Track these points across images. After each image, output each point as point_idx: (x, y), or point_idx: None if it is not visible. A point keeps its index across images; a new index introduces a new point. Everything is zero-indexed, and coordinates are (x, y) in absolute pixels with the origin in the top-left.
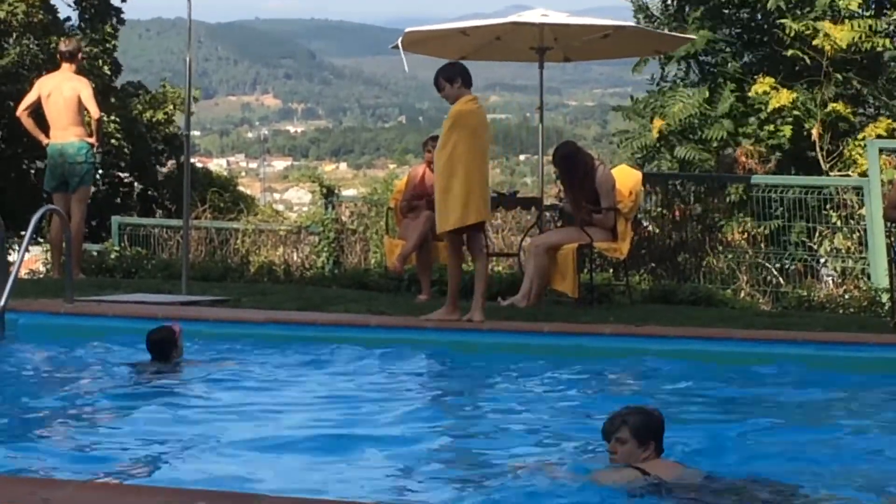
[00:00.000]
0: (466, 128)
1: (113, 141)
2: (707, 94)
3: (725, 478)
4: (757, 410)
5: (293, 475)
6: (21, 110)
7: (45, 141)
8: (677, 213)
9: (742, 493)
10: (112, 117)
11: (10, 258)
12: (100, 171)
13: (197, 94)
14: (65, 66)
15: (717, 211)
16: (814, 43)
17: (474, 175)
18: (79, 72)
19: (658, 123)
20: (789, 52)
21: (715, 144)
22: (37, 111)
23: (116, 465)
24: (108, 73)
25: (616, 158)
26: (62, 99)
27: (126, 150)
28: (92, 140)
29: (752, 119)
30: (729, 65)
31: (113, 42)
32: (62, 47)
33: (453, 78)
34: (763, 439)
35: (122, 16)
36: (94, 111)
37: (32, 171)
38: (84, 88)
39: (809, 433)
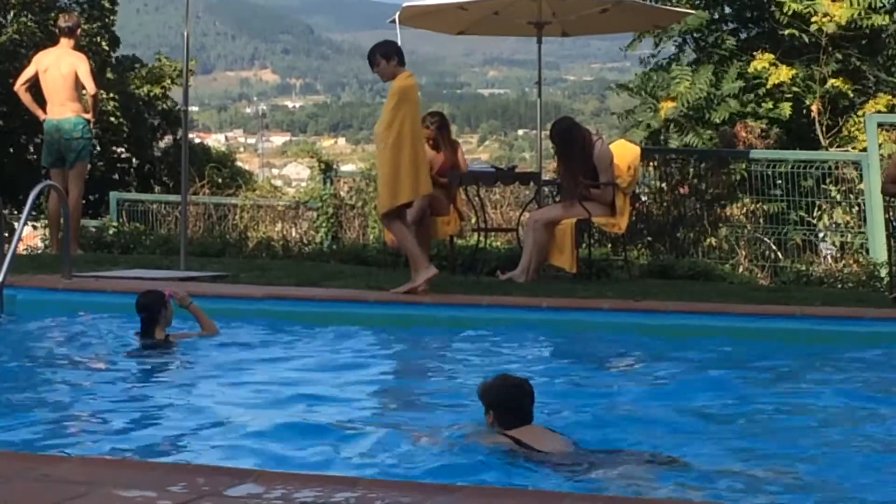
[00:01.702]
0: (412, 103)
1: (112, 119)
2: (710, 73)
3: (594, 449)
4: (746, 384)
5: (287, 450)
6: (18, 85)
7: (42, 116)
8: (680, 190)
9: (606, 461)
10: (110, 95)
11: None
12: (97, 148)
13: (193, 66)
14: (63, 41)
15: (718, 187)
16: (812, 21)
17: (420, 150)
18: (77, 48)
19: (666, 105)
20: (787, 32)
21: (718, 123)
22: (35, 87)
23: (115, 440)
24: (107, 48)
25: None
26: (59, 75)
27: (125, 127)
28: (88, 116)
29: (750, 96)
30: (726, 43)
31: (111, 17)
32: (61, 23)
33: (391, 55)
34: (744, 414)
35: None
36: (91, 87)
37: (31, 147)
38: (81, 64)
39: (800, 410)
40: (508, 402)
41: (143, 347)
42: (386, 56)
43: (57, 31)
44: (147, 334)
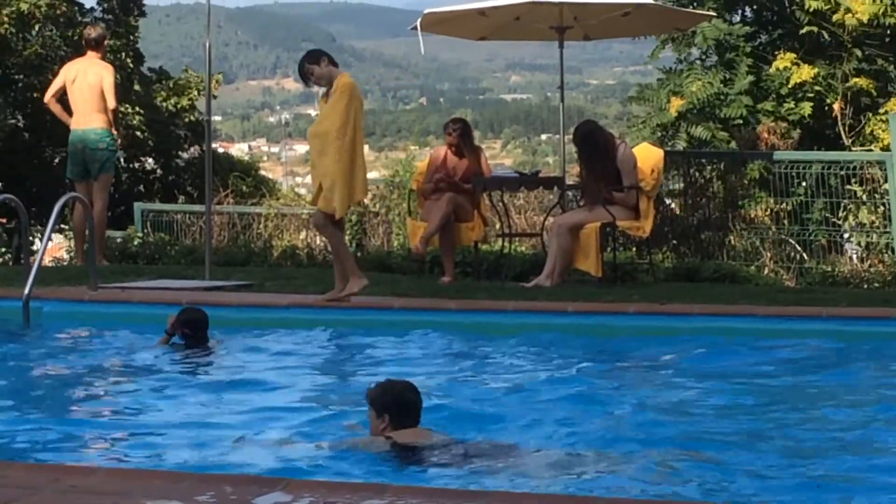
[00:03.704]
0: (359, 101)
1: (137, 133)
2: (724, 72)
3: (469, 441)
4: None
5: (319, 459)
6: (48, 96)
7: (73, 125)
8: (696, 195)
9: (477, 453)
10: (136, 110)
11: (34, 247)
12: (122, 160)
13: (219, 79)
14: (90, 53)
15: (739, 188)
16: (834, 18)
17: (362, 149)
18: (104, 59)
19: (676, 103)
20: (806, 29)
21: (734, 123)
22: (62, 98)
23: (142, 450)
24: (132, 65)
25: (633, 139)
26: (86, 85)
27: (150, 141)
28: (113, 130)
29: (771, 95)
30: (745, 46)
31: (136, 34)
32: (89, 35)
33: (319, 58)
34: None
35: (144, 8)
36: (111, 101)
37: (55, 160)
38: (108, 76)
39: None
40: (406, 404)
41: (167, 356)
42: (315, 60)
43: (83, 43)
44: (187, 346)
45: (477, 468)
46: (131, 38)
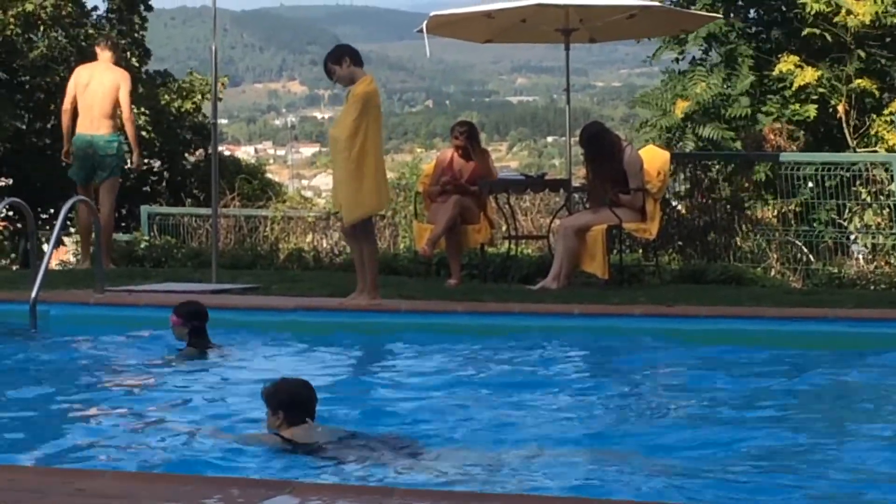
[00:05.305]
0: (376, 109)
1: (143, 133)
2: (724, 74)
3: (363, 434)
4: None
5: (323, 464)
6: (66, 105)
7: (66, 148)
8: (703, 197)
9: (370, 446)
10: (142, 109)
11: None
12: (129, 164)
13: (225, 81)
14: (106, 54)
15: (745, 190)
16: (835, 20)
17: (381, 160)
18: (117, 63)
19: (682, 104)
20: (808, 31)
21: (738, 123)
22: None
23: (149, 454)
24: (137, 63)
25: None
26: (101, 89)
27: (157, 142)
28: (129, 140)
29: (774, 98)
30: (747, 46)
31: (142, 32)
32: (102, 41)
33: (341, 58)
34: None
35: (150, 2)
36: (126, 111)
37: (63, 162)
38: (125, 84)
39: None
40: (301, 401)
41: (176, 360)
42: (337, 60)
43: (97, 45)
44: (196, 344)
45: (377, 462)
46: (136, 34)
